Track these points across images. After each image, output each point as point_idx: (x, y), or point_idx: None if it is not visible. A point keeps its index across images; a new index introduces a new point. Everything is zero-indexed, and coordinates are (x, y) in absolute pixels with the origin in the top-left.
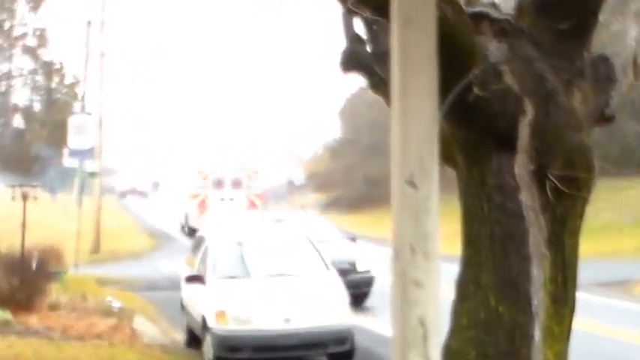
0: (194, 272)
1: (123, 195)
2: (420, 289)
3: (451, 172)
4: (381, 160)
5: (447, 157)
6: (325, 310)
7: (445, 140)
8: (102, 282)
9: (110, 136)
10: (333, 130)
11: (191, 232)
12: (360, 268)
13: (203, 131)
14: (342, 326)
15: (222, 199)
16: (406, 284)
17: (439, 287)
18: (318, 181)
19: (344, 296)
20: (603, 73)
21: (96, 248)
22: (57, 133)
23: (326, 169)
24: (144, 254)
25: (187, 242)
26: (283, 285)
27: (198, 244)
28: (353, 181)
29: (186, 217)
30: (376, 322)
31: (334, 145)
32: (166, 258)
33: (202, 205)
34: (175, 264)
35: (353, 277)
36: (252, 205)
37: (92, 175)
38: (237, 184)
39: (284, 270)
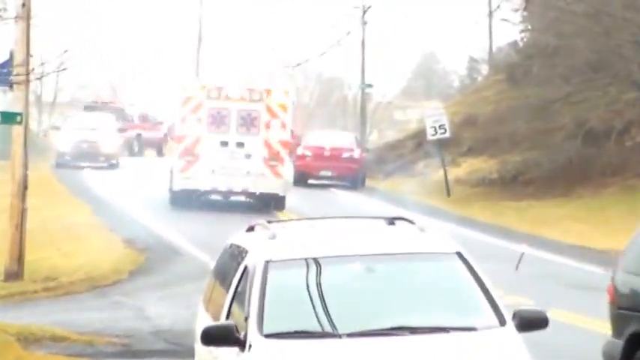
0: (221, 323)
1: (67, 161)
2: None
3: None
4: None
5: None
6: None
7: None
8: (27, 339)
9: (49, 42)
10: (511, 29)
11: (175, 199)
12: None
13: None
14: None
15: (225, 144)
16: None
17: None
18: (481, 131)
19: None
20: None
21: (16, 269)
22: None
23: (497, 106)
24: (115, 280)
25: (205, 256)
26: (406, 353)
27: (229, 264)
28: (558, 133)
29: (171, 176)
30: None
31: (514, 59)
32: (161, 289)
33: (188, 152)
34: (180, 303)
35: None
36: (277, 157)
37: (10, 118)
38: (250, 121)
39: (409, 321)
